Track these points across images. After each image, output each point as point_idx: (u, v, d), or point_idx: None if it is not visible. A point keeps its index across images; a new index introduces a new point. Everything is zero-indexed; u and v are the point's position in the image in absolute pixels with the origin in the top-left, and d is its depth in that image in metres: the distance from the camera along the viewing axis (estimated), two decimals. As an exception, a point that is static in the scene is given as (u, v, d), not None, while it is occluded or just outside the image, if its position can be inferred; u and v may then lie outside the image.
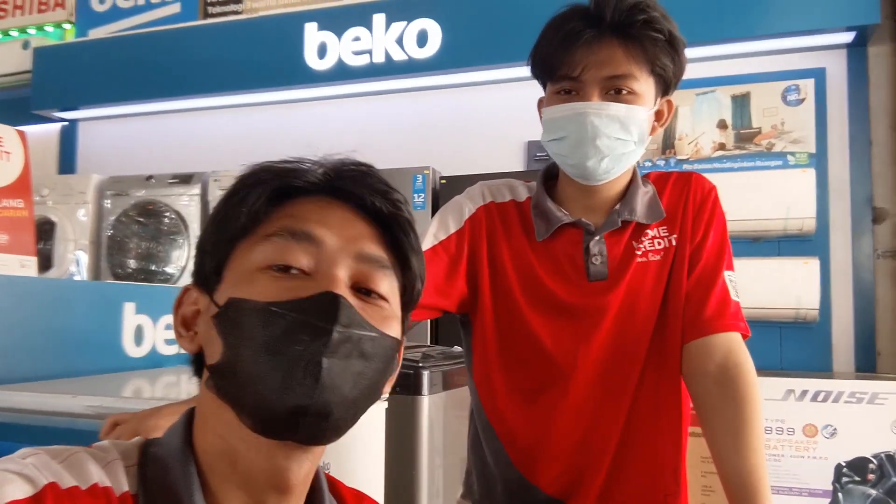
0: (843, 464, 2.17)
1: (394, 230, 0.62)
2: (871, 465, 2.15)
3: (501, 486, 1.10)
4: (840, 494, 2.17)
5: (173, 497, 0.54)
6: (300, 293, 0.55)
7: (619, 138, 1.00)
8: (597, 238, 1.06)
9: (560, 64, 1.00)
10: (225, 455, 0.56)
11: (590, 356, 1.04)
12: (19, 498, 0.47)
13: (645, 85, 1.00)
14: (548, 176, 1.15)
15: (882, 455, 2.14)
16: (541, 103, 1.11)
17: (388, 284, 0.61)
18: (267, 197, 0.60)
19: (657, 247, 1.06)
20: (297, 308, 0.54)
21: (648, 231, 1.07)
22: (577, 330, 1.05)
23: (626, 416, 1.04)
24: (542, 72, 1.05)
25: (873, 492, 2.14)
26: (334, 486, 0.68)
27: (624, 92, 0.99)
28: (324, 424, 0.54)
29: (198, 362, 0.60)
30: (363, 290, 0.59)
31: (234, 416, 0.55)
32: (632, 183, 1.09)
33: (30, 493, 0.48)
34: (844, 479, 2.17)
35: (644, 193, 1.09)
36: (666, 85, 1.03)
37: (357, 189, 0.62)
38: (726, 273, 1.06)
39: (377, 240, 0.62)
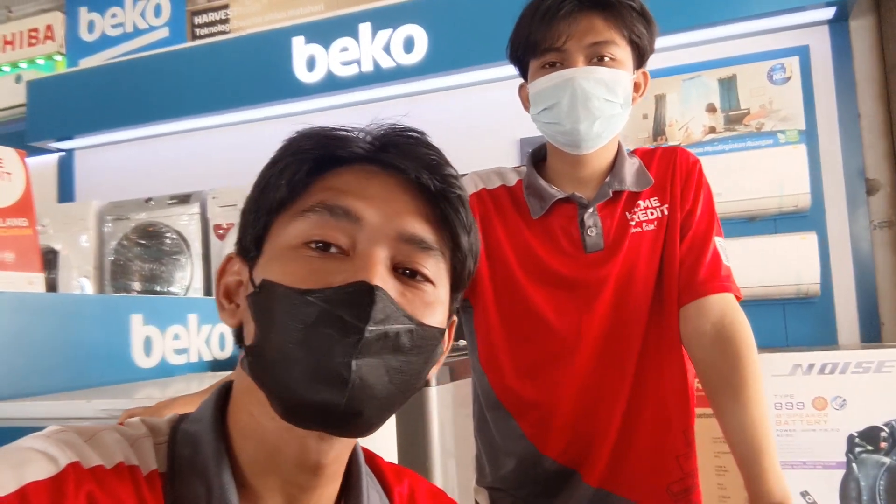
0: (856, 434, 2.17)
1: (442, 207, 0.57)
2: (883, 434, 2.15)
3: (514, 463, 1.11)
4: (854, 465, 2.17)
5: (202, 477, 0.53)
6: (334, 279, 0.52)
7: (608, 100, 1.04)
8: (590, 210, 1.09)
9: (543, 38, 1.04)
10: (255, 433, 0.55)
11: (593, 326, 1.06)
12: (40, 478, 0.46)
13: (624, 52, 1.05)
14: (536, 158, 1.18)
15: (893, 422, 2.13)
16: (521, 89, 1.14)
17: (433, 265, 0.57)
18: (308, 168, 0.57)
19: (650, 216, 1.09)
20: (330, 299, 0.50)
21: (640, 202, 1.10)
22: (579, 302, 1.07)
23: (631, 382, 1.06)
24: (525, 51, 1.08)
25: (887, 460, 2.14)
26: (373, 460, 0.66)
27: (606, 59, 1.04)
28: (355, 422, 0.51)
29: (240, 335, 0.58)
30: (406, 270, 0.55)
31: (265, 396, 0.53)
32: (618, 155, 1.13)
33: (51, 473, 0.47)
34: (858, 450, 2.17)
35: (631, 164, 1.13)
36: (641, 55, 1.08)
37: (403, 161, 0.57)
38: (716, 239, 1.09)
39: (423, 216, 0.57)
